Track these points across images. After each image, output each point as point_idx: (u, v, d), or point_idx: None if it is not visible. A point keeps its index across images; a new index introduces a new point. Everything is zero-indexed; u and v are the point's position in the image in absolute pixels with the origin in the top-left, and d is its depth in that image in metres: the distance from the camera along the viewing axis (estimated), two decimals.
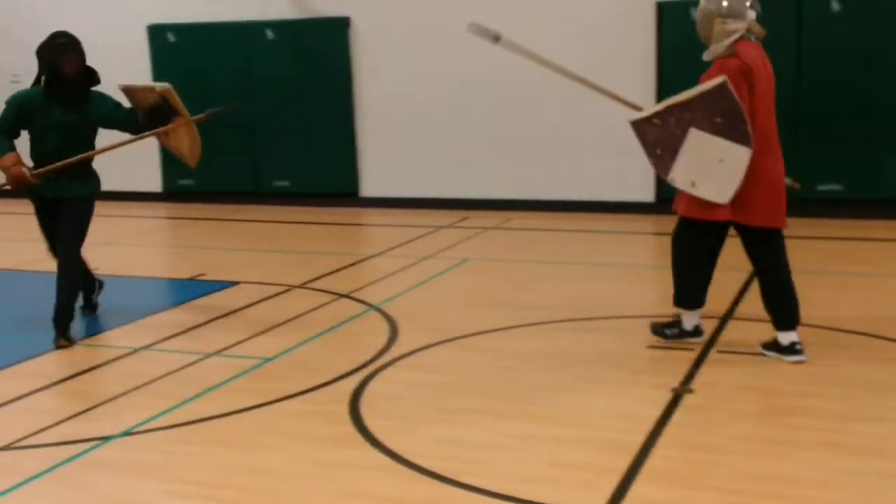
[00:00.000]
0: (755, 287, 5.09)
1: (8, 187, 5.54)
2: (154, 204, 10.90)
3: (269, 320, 5.86)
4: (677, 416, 4.19)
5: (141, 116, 5.66)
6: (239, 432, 4.15)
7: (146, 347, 5.39)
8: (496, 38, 5.16)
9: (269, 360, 5.13)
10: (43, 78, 5.45)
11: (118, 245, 8.64)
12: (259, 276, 7.06)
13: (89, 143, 5.64)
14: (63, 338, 5.44)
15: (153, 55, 10.90)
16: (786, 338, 4.84)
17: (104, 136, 5.83)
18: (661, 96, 9.36)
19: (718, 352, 5.02)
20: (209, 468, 3.80)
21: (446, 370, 4.90)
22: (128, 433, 4.15)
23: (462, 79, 10.03)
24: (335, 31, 10.29)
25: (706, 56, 4.77)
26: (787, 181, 4.93)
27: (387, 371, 4.89)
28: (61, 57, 5.36)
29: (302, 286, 6.75)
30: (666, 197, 9.45)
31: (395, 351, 5.20)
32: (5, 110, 5.50)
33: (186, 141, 5.82)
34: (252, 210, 10.37)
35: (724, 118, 4.55)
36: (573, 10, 9.59)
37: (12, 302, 6.87)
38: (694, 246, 4.94)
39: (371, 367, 4.92)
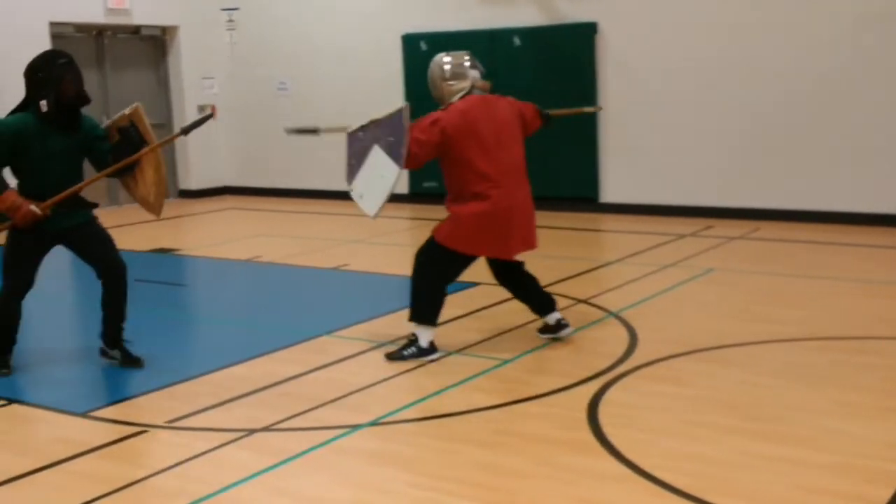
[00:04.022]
0: None
1: (8, 226, 4.98)
2: (400, 205, 11.35)
3: (509, 322, 5.94)
4: None
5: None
6: (479, 430, 4.24)
7: (392, 342, 5.61)
8: (315, 131, 5.89)
9: (507, 361, 5.20)
10: (44, 102, 4.87)
11: (365, 244, 9.09)
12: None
13: (82, 169, 5.16)
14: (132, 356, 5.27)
15: (405, 63, 11.37)
16: (553, 317, 5.48)
17: None
18: None
19: None
20: (450, 463, 3.90)
21: (689, 383, 4.76)
22: (374, 423, 4.34)
23: (709, 83, 9.74)
24: (582, 37, 10.28)
25: None
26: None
27: (626, 380, 4.82)
28: (63, 78, 4.88)
29: None
30: None
31: (634, 360, 5.12)
32: None
33: (152, 178, 5.13)
34: None
35: (395, 138, 5.06)
36: (829, 11, 9.07)
37: (279, 292, 7.40)
38: (446, 268, 5.29)
39: (610, 375, 4.87)
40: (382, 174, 5.10)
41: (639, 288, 6.81)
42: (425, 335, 5.30)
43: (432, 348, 5.31)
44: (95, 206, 5.26)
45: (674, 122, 9.97)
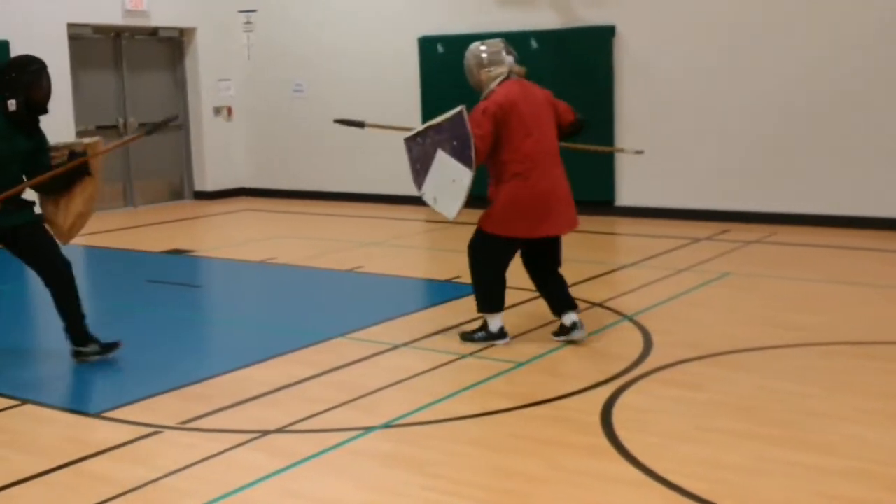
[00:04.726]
0: None
1: None
2: (415, 207, 11.34)
3: (523, 325, 5.91)
4: None
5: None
6: (492, 434, 4.22)
7: (405, 344, 5.60)
8: (361, 125, 6.00)
9: (521, 364, 5.17)
10: (13, 102, 5.00)
11: (380, 246, 9.08)
12: (514, 282, 7.11)
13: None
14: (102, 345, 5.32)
15: (422, 66, 11.36)
16: (569, 318, 5.48)
17: None
18: None
19: None
20: (464, 466, 3.88)
21: (705, 387, 4.72)
22: (388, 426, 4.32)
23: (727, 86, 9.68)
24: (600, 40, 10.24)
25: None
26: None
27: (640, 384, 4.79)
28: (36, 83, 5.05)
29: None
30: None
31: (649, 363, 5.09)
32: None
33: (78, 208, 5.22)
34: None
35: (458, 142, 5.15)
36: (857, 16, 9.00)
37: (293, 294, 7.40)
38: (493, 255, 5.41)
39: (624, 379, 4.84)
40: (454, 178, 5.21)
41: (654, 291, 6.77)
42: (494, 320, 5.50)
43: (502, 333, 5.50)
44: (33, 203, 5.26)
45: (691, 125, 9.92)
